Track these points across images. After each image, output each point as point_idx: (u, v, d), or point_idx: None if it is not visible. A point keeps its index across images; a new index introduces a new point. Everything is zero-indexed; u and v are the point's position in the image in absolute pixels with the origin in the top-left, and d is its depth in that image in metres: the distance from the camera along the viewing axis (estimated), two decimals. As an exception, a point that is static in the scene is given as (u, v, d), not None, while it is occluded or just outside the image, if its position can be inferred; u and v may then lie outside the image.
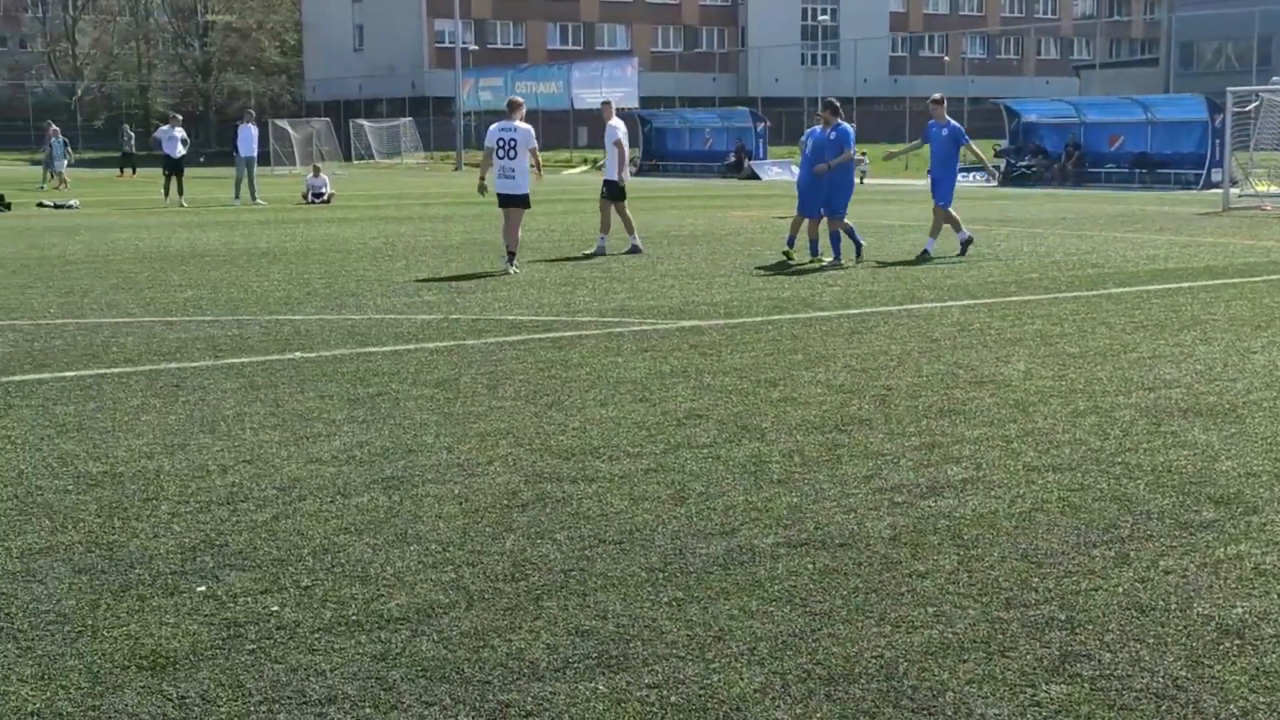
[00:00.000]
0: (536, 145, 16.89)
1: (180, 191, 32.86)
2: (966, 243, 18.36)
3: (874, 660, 4.39)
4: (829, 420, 7.96)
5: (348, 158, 70.35)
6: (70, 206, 31.54)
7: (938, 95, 18.85)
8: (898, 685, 4.20)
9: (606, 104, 20.23)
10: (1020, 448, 7.26)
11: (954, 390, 8.87)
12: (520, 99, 17.76)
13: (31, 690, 4.15)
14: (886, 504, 6.19)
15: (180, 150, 33.17)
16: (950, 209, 18.40)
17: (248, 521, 5.92)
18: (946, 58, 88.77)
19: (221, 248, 20.55)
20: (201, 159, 65.46)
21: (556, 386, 9.06)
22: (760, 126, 57.42)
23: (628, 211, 19.43)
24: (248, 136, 33.35)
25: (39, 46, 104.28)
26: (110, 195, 38.59)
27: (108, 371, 9.70)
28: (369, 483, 6.56)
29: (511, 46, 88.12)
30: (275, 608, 4.85)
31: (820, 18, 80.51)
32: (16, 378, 9.46)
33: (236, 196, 33.37)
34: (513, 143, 16.65)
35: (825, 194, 17.33)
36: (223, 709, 4.03)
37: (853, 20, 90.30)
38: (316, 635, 4.59)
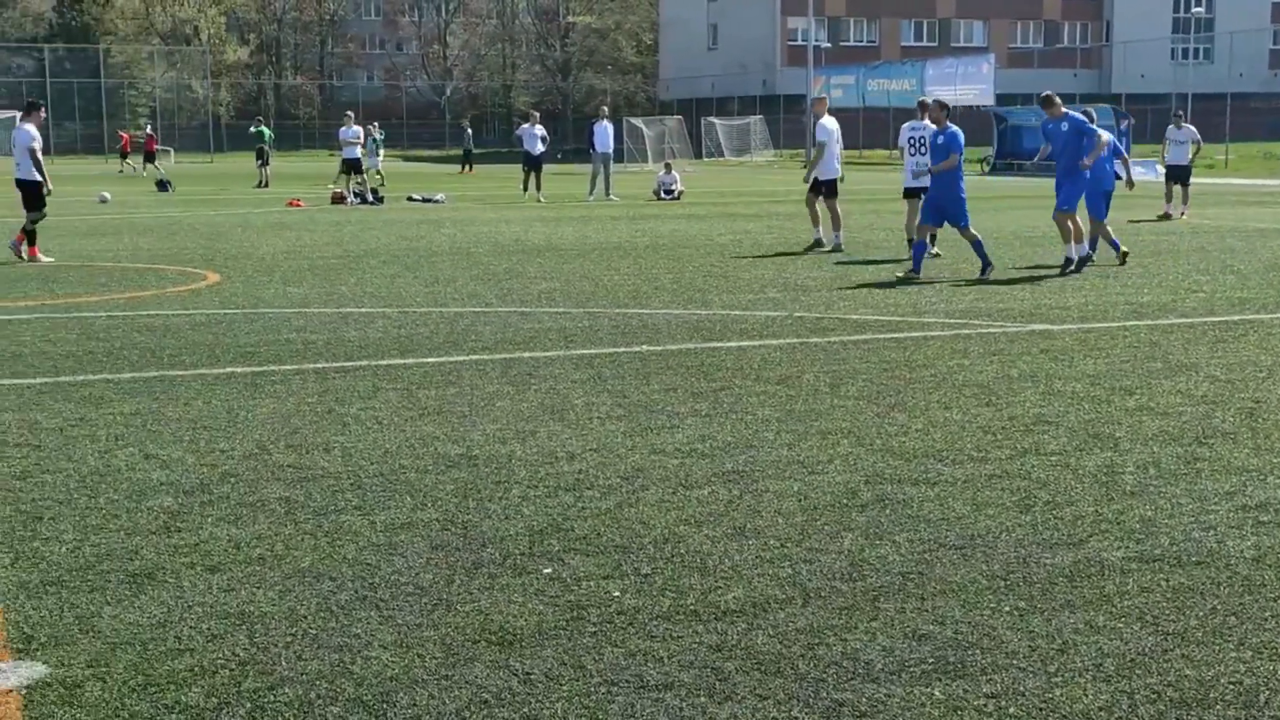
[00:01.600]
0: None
1: (539, 187, 34.06)
2: (1081, 259, 16.11)
3: (1231, 686, 4.15)
4: (1188, 432, 7.58)
5: (698, 155, 71.42)
6: (437, 201, 33.16)
7: (1047, 94, 16.80)
8: (1257, 714, 3.96)
9: (820, 100, 20.94)
10: (1404, 470, 6.73)
11: (1329, 405, 8.29)
12: (928, 99, 18.89)
13: (391, 656, 4.39)
14: (1250, 523, 5.85)
15: (540, 147, 34.38)
16: (1075, 215, 16.17)
17: (593, 508, 6.09)
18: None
19: (575, 242, 21.20)
20: (559, 156, 67.71)
21: (900, 387, 8.95)
22: (1124, 124, 55.12)
23: (838, 208, 19.84)
24: (603, 134, 34.27)
25: (413, 49, 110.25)
26: (471, 190, 40.37)
27: (466, 358, 10.16)
28: (710, 476, 6.65)
29: (865, 44, 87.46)
30: (616, 593, 4.97)
31: (1194, 9, 76.45)
32: (384, 362, 10.02)
33: (591, 192, 34.35)
34: (922, 140, 17.95)
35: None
36: (564, 688, 4.16)
37: (1230, 11, 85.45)
38: (655, 622, 4.69)
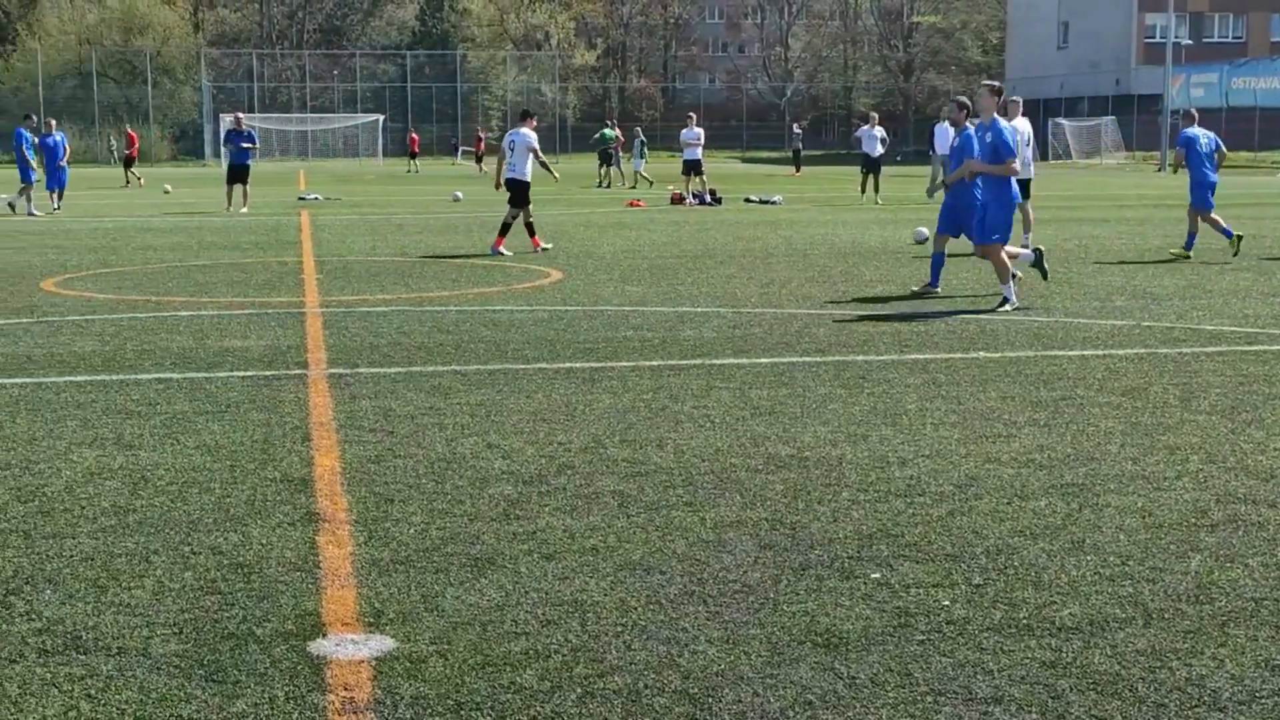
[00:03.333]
0: None
1: (877, 189, 33.75)
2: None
3: None
4: None
5: (1044, 157, 69.29)
6: (774, 202, 33.29)
7: (997, 88, 13.98)
8: None
9: (1013, 102, 20.31)
10: None
11: None
12: None
13: (718, 652, 4.44)
14: None
15: (879, 149, 34.04)
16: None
17: (923, 515, 5.99)
18: None
19: (913, 244, 20.92)
20: (898, 158, 66.91)
21: (1257, 403, 8.46)
22: None
23: (1029, 210, 20.18)
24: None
25: (755, 51, 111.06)
26: (807, 191, 40.36)
27: (799, 360, 10.16)
28: (1047, 487, 6.44)
29: (1230, 40, 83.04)
30: (946, 602, 4.88)
31: None
32: (718, 361, 10.13)
33: (930, 194, 33.80)
34: None
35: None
36: (890, 694, 4.11)
37: None
38: (985, 634, 4.57)
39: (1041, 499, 6.24)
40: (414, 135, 66.93)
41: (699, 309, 13.18)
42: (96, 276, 16.57)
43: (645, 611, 4.80)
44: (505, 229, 19.79)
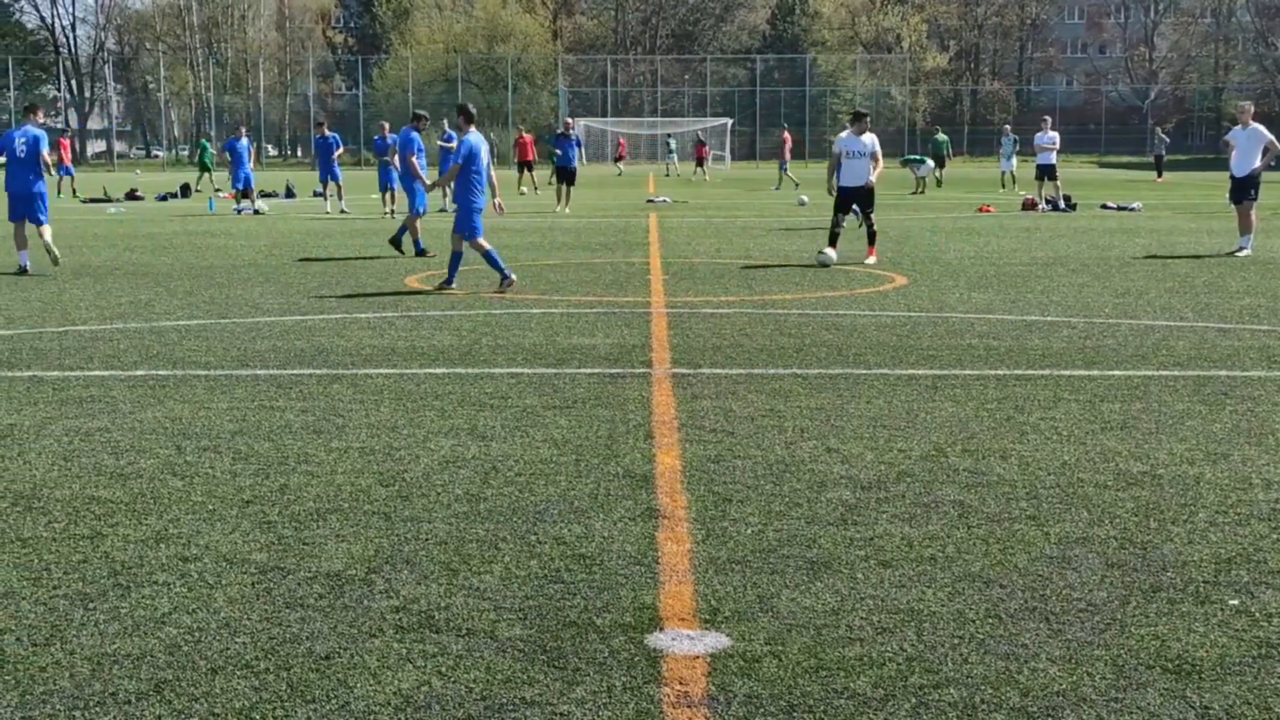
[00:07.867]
0: None
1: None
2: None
3: None
4: None
5: None
6: (1132, 209, 32.01)
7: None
8: None
9: (1242, 109, 21.69)
10: None
11: None
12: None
13: (1059, 671, 4.29)
14: None
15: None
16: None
17: (1289, 541, 5.64)
18: None
19: (1270, 259, 19.77)
20: (1272, 164, 63.02)
21: None
22: None
23: (1251, 214, 20.87)
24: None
25: (1117, 52, 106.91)
26: (1171, 199, 38.55)
27: (1155, 373, 9.72)
28: None
29: None
30: (1312, 636, 4.58)
31: None
32: (1067, 372, 9.80)
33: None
34: None
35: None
36: (1245, 729, 3.88)
37: None
38: (1356, 673, 4.27)
39: None
40: (702, 147, 67.46)
41: (1048, 318, 12.78)
42: (457, 274, 17.37)
43: (984, 624, 4.69)
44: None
